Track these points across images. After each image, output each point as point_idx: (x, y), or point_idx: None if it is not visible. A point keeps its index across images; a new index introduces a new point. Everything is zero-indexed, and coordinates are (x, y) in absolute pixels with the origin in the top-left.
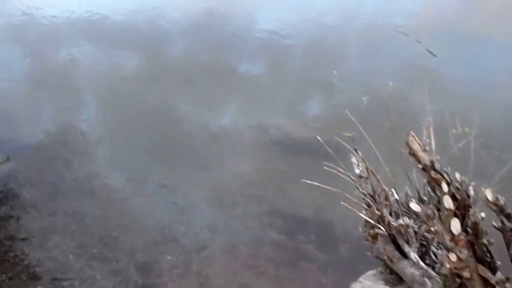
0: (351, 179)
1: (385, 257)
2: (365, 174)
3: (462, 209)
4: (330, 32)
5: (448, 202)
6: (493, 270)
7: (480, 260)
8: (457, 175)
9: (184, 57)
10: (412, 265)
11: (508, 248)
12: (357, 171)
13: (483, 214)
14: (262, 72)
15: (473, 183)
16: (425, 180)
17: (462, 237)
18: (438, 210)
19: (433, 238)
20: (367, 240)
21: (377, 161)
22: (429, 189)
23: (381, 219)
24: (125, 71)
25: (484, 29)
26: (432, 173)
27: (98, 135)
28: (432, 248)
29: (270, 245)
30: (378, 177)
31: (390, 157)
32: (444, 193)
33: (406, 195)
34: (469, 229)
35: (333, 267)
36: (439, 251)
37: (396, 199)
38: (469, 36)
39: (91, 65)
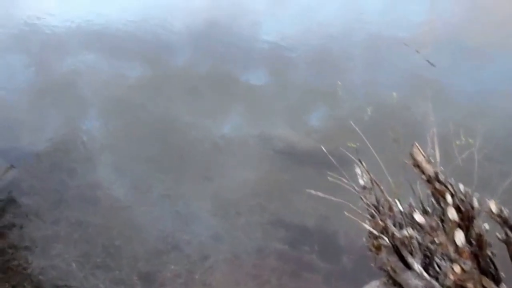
0: (355, 189)
1: (389, 268)
2: (369, 185)
3: (466, 221)
4: (333, 43)
5: (452, 214)
6: (497, 282)
7: (484, 271)
8: (461, 187)
9: (187, 67)
10: (416, 276)
11: None
12: (361, 181)
13: (487, 226)
14: (265, 82)
15: (477, 194)
16: (429, 191)
17: (466, 248)
18: (442, 221)
19: (437, 249)
20: (370, 250)
21: (381, 172)
22: (433, 200)
23: (384, 230)
24: (128, 80)
25: (489, 40)
26: (437, 184)
27: (101, 144)
28: (436, 259)
29: (274, 255)
30: (382, 188)
31: (394, 168)
32: (448, 205)
33: (410, 206)
34: (473, 241)
35: (336, 277)
36: (443, 263)
37: (400, 210)
38: (474, 47)
39: (94, 74)
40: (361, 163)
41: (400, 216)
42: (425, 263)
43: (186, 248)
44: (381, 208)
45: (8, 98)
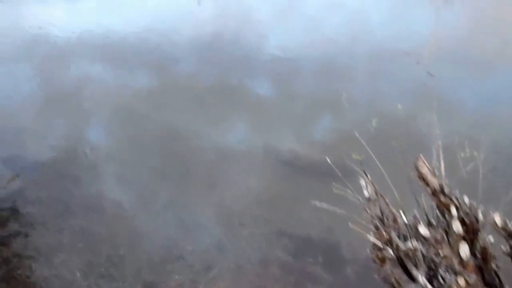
0: (359, 201)
1: (393, 280)
2: (373, 197)
3: (470, 234)
4: (338, 54)
5: (457, 227)
6: None
7: (488, 284)
8: (466, 199)
9: (191, 77)
10: None
11: None
12: (365, 193)
13: (491, 239)
14: (270, 93)
15: (481, 207)
16: (434, 203)
17: (470, 261)
18: (447, 233)
19: (441, 262)
20: (374, 262)
21: (385, 183)
22: (438, 213)
23: (389, 242)
24: (132, 90)
25: (494, 51)
26: (441, 197)
27: (105, 153)
28: (441, 271)
29: (277, 265)
30: (386, 200)
31: (399, 179)
32: (453, 217)
33: (415, 217)
34: (477, 254)
35: None
36: (448, 275)
37: (405, 222)
38: (479, 58)
39: (99, 84)
40: (366, 174)
41: (405, 228)
42: (429, 275)
43: (189, 258)
44: (385, 219)
45: (13, 107)
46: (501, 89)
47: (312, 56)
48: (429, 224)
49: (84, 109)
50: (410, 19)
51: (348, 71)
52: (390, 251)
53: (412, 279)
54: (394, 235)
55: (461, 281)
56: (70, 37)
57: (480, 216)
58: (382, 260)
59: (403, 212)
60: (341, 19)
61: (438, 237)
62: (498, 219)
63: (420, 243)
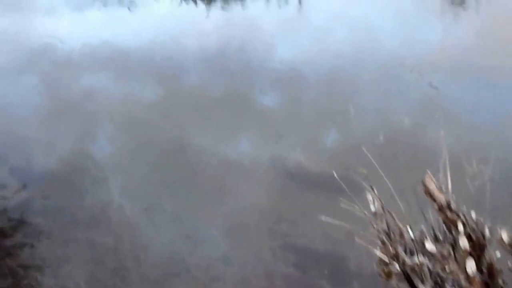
0: (366, 215)
1: None
2: (380, 211)
3: (477, 250)
4: (346, 66)
5: (464, 243)
6: None
7: None
8: (473, 215)
9: (198, 88)
10: None
11: None
12: (372, 208)
13: (498, 254)
14: (277, 104)
15: (488, 222)
16: (440, 219)
17: (477, 277)
18: (454, 249)
19: (448, 277)
20: (381, 277)
21: (392, 197)
22: (445, 228)
23: (395, 257)
24: (139, 101)
25: (504, 66)
26: (448, 213)
27: (112, 165)
28: (447, 287)
29: (283, 278)
30: (393, 214)
31: (405, 194)
32: (459, 233)
33: (421, 232)
34: (484, 269)
35: None
36: None
37: (411, 237)
38: (488, 71)
39: (106, 95)
40: (373, 189)
41: (411, 243)
42: None
43: (195, 271)
44: (392, 234)
45: (20, 117)
46: (510, 103)
47: (318, 67)
48: (435, 240)
49: (90, 120)
50: (417, 31)
51: (355, 83)
52: (397, 266)
53: None
54: (400, 250)
55: None
56: (77, 48)
57: (487, 233)
58: (389, 275)
59: (410, 227)
60: (348, 30)
61: (445, 252)
62: (505, 236)
63: (426, 258)
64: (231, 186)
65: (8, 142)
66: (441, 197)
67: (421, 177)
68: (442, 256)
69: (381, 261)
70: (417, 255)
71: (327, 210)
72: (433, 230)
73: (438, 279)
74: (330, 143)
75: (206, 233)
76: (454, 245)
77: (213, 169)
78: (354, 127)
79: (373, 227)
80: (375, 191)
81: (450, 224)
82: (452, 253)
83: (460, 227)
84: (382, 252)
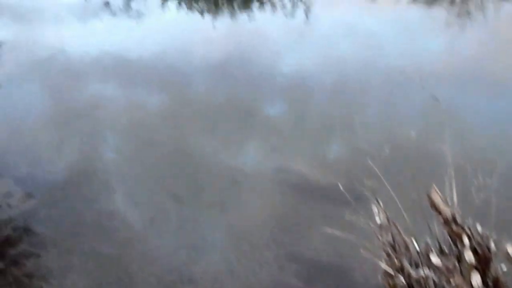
0: (371, 227)
1: None
2: (385, 223)
3: (483, 263)
4: (352, 76)
5: (469, 257)
6: None
7: None
8: (479, 228)
9: (205, 98)
10: None
11: None
12: (377, 219)
13: (504, 267)
14: (283, 114)
15: (494, 235)
16: (446, 232)
17: None
18: (459, 262)
19: None
20: None
21: (397, 209)
22: (450, 241)
23: (400, 269)
24: (145, 110)
25: (509, 78)
26: (454, 226)
27: (117, 174)
28: None
29: None
30: (398, 227)
31: (411, 206)
32: (465, 247)
33: (427, 245)
34: (489, 282)
35: None
36: None
37: (417, 250)
38: (494, 85)
39: (112, 104)
40: (378, 201)
41: (417, 255)
42: None
43: (200, 281)
44: (397, 247)
45: (26, 126)
46: None
47: (324, 77)
48: (441, 252)
49: (97, 129)
50: (423, 43)
51: (361, 94)
52: (402, 278)
53: None
54: (406, 262)
55: None
56: (84, 57)
57: (493, 246)
58: None
59: (415, 240)
60: (355, 40)
61: (450, 265)
62: (510, 249)
63: (432, 271)
64: (236, 196)
65: (13, 151)
66: (446, 210)
67: (427, 189)
68: (448, 269)
69: (386, 273)
70: (422, 268)
71: (332, 221)
72: (439, 243)
73: None
74: (335, 154)
75: (211, 243)
76: (460, 258)
77: (218, 178)
78: (359, 138)
79: (379, 239)
80: (380, 203)
81: (456, 237)
82: (457, 266)
83: (466, 240)
84: (387, 265)
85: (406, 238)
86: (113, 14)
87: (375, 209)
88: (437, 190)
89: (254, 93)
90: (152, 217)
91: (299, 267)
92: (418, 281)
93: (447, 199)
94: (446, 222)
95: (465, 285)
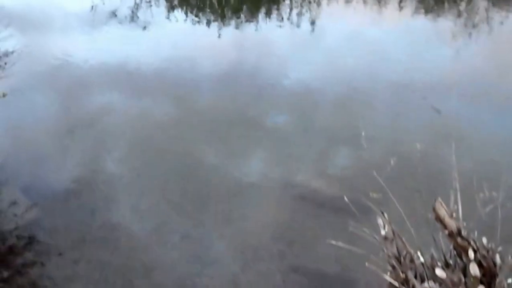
0: (376, 239)
1: None
2: (390, 236)
3: (488, 277)
4: (358, 88)
5: (474, 270)
6: None
7: None
8: (484, 241)
9: (211, 109)
10: None
11: None
12: (382, 232)
13: (509, 281)
14: (289, 125)
15: (499, 249)
16: (451, 245)
17: None
18: (464, 275)
19: None
20: None
21: (402, 222)
22: (456, 254)
23: (405, 282)
24: (151, 120)
25: None
26: (459, 239)
27: (123, 184)
28: None
29: None
30: (403, 239)
31: (416, 218)
32: (470, 260)
33: (432, 258)
34: None
35: None
36: None
37: (422, 262)
38: (500, 98)
39: (118, 114)
40: (383, 214)
41: (422, 268)
42: None
43: None
44: (402, 259)
45: (31, 135)
46: None
47: (330, 88)
48: (446, 266)
49: (102, 139)
50: (429, 56)
51: (367, 106)
52: None
53: None
54: (410, 275)
55: None
56: (90, 67)
57: (498, 259)
58: None
59: (420, 252)
60: (361, 53)
61: (455, 279)
62: None
63: (437, 284)
64: (242, 207)
65: (19, 161)
66: (451, 224)
67: (432, 202)
68: (453, 282)
69: (391, 286)
70: (428, 281)
71: (337, 233)
72: (444, 256)
73: None
74: (341, 166)
75: (216, 254)
76: (465, 271)
77: (224, 189)
78: (365, 150)
79: (384, 252)
80: (386, 216)
81: (461, 251)
82: (462, 279)
83: (471, 253)
84: (392, 277)
85: (411, 251)
86: (120, 23)
87: (380, 222)
88: (443, 203)
89: (260, 103)
90: (156, 227)
91: (304, 279)
92: None
93: (452, 212)
94: (451, 235)
95: None
